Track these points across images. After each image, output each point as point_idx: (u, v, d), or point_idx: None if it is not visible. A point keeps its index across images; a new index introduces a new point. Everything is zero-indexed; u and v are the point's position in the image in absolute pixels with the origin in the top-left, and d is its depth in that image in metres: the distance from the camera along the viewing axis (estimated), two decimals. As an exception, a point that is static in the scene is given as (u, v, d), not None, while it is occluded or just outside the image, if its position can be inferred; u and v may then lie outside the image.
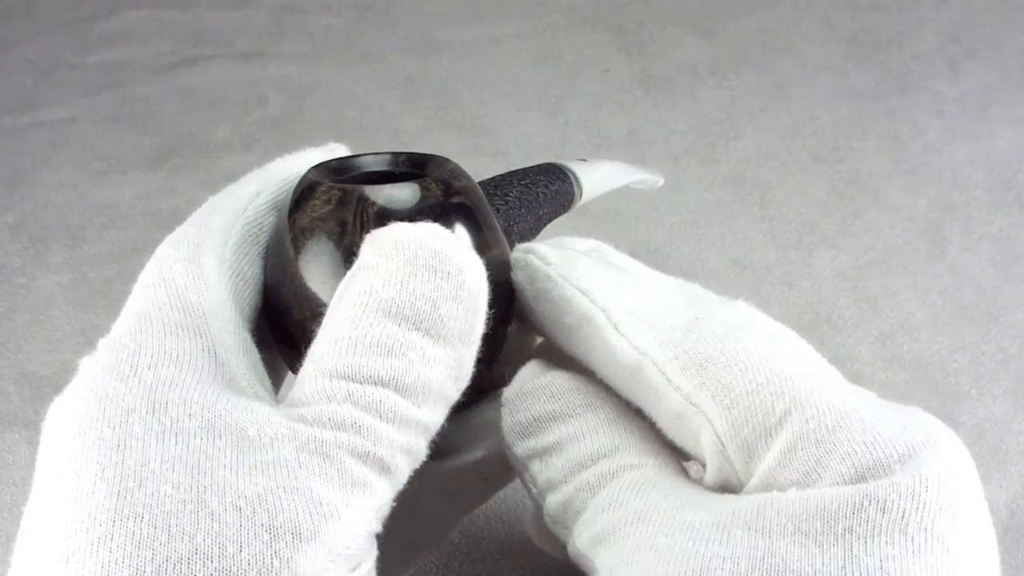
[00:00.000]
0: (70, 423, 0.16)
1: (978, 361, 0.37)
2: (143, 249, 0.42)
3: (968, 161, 0.47)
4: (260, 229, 0.21)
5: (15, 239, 0.43)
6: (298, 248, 0.20)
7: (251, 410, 0.16)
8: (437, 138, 0.50)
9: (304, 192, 0.20)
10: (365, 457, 0.17)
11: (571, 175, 0.26)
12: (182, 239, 0.20)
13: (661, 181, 0.30)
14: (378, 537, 0.22)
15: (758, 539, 0.15)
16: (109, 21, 0.59)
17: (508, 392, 0.21)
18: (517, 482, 0.31)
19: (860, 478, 0.16)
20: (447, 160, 0.22)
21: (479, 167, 0.23)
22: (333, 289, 0.19)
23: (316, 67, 0.55)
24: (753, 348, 0.18)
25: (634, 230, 0.43)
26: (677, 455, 0.19)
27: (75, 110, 0.51)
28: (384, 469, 0.17)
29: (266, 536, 0.15)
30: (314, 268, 0.20)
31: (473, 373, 0.20)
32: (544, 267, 0.21)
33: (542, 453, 0.20)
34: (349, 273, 0.18)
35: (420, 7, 0.61)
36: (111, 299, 0.40)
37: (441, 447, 0.23)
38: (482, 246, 0.21)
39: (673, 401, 0.18)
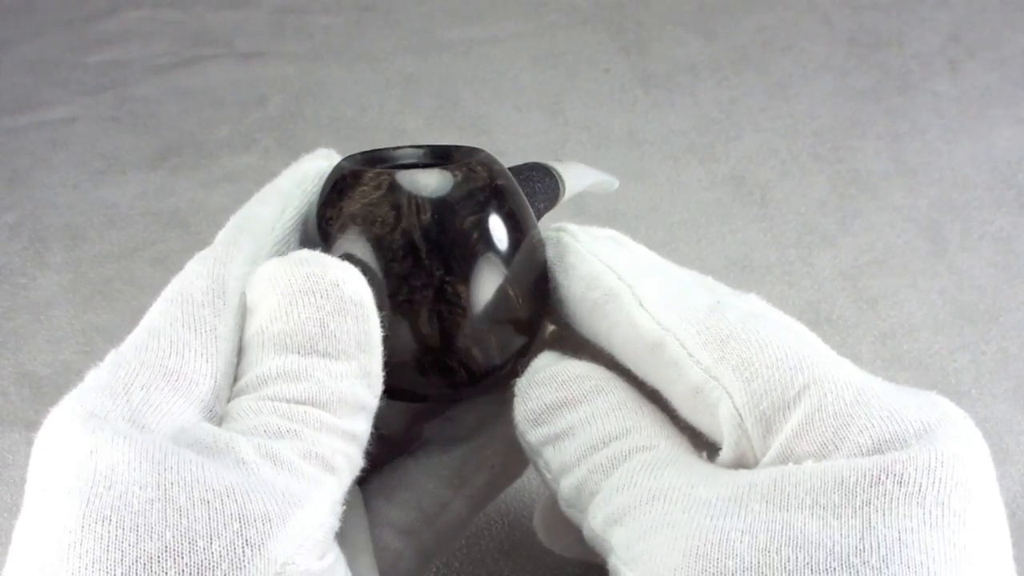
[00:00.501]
0: (55, 436, 0.16)
1: (978, 361, 0.37)
2: (143, 249, 0.42)
3: (968, 161, 0.47)
4: (288, 248, 0.21)
5: (15, 239, 0.43)
6: (347, 236, 0.20)
7: (214, 431, 0.17)
8: (437, 138, 0.50)
9: (347, 181, 0.20)
10: (309, 456, 0.17)
11: (555, 172, 0.27)
12: (210, 256, 0.20)
13: (616, 184, 0.31)
14: (392, 540, 0.22)
15: (776, 512, 0.16)
16: (109, 21, 0.59)
17: (520, 382, 0.21)
18: (519, 483, 0.32)
19: (877, 450, 0.16)
20: (473, 148, 0.22)
21: (479, 167, 0.23)
22: (388, 274, 0.19)
23: (316, 67, 0.55)
24: (772, 329, 0.18)
25: (634, 230, 0.43)
26: (689, 438, 0.20)
27: (75, 110, 0.51)
28: (328, 467, 0.17)
29: (236, 525, 0.15)
30: (368, 253, 0.20)
31: (510, 363, 0.21)
32: (574, 243, 0.22)
33: (554, 439, 0.20)
34: (246, 321, 0.19)
35: (420, 7, 0.61)
36: (111, 299, 0.40)
37: (448, 435, 0.23)
38: (525, 225, 0.21)
39: (693, 375, 0.18)
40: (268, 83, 0.54)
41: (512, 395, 0.22)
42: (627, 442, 0.19)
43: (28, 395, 0.35)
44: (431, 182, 0.20)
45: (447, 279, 0.19)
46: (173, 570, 0.14)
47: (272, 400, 0.18)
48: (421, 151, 0.23)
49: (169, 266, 0.41)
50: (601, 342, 0.21)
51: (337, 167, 0.21)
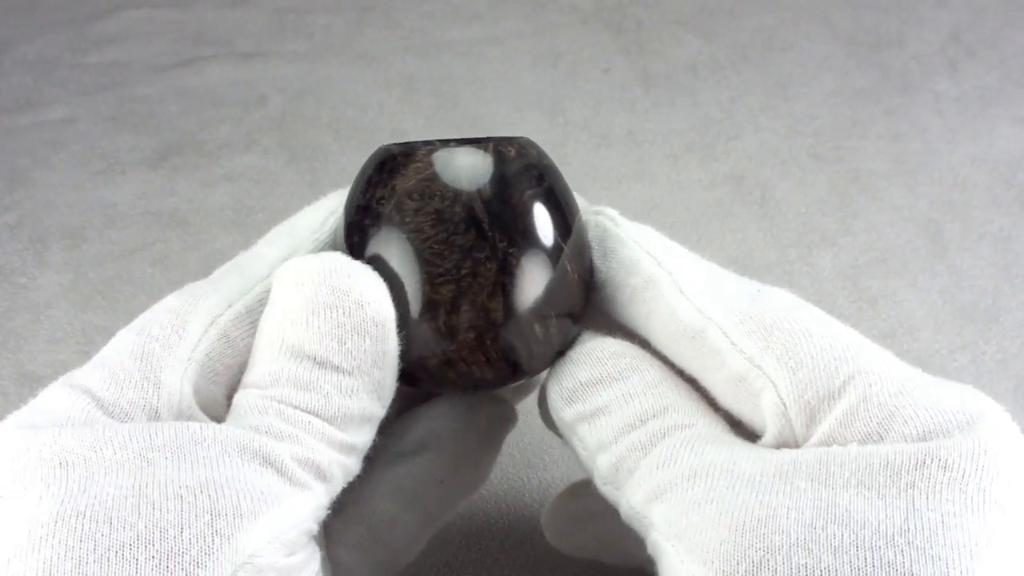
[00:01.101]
0: (10, 448, 0.17)
1: (978, 361, 0.37)
2: (143, 249, 0.42)
3: (968, 161, 0.47)
4: None
5: (15, 239, 0.43)
6: (403, 212, 0.20)
7: (201, 426, 0.17)
8: (437, 138, 0.50)
9: (397, 160, 0.20)
10: (304, 462, 0.17)
11: None
12: (192, 290, 0.20)
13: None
14: (345, 555, 0.22)
15: (822, 490, 0.16)
16: (109, 21, 0.59)
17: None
18: (519, 483, 0.31)
19: (921, 441, 0.16)
20: (506, 137, 0.22)
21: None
22: (451, 247, 0.19)
23: (316, 67, 0.55)
24: (814, 320, 0.18)
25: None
26: (725, 419, 0.20)
27: (75, 110, 0.51)
28: (321, 475, 0.18)
29: (207, 517, 0.15)
30: (429, 228, 0.19)
31: (564, 349, 0.21)
32: (614, 228, 0.22)
33: (590, 416, 0.20)
34: (265, 311, 0.19)
35: (420, 7, 0.61)
36: (111, 299, 0.40)
37: (392, 450, 0.23)
38: (574, 205, 0.21)
39: (736, 364, 0.18)
40: (268, 83, 0.54)
41: (470, 409, 0.22)
42: (665, 420, 0.19)
43: (28, 395, 0.35)
44: (488, 157, 0.20)
45: (510, 251, 0.19)
46: (143, 556, 0.15)
47: (279, 402, 0.18)
48: (452, 143, 0.23)
49: (169, 266, 0.41)
50: (639, 329, 0.21)
51: (382, 150, 0.21)
